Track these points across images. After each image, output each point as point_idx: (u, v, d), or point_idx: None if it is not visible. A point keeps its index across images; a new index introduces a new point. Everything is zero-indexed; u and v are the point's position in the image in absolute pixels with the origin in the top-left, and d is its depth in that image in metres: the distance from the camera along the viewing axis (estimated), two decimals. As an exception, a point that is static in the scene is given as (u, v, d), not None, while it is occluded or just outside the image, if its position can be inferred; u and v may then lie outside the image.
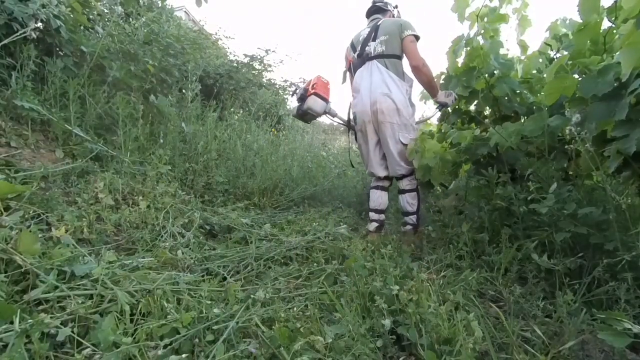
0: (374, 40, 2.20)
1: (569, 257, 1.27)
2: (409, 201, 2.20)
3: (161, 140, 2.44)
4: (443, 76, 2.31)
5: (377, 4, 2.39)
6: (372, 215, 2.26)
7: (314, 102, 2.21)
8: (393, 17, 2.40)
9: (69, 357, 0.79)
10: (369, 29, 2.27)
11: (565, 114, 1.41)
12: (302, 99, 2.26)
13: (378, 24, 2.24)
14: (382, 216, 2.28)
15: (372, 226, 2.23)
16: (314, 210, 2.76)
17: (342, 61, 2.49)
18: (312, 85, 2.22)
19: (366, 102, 2.14)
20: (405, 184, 2.21)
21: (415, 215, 2.19)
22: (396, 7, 2.44)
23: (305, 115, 2.30)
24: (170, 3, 4.67)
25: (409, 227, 2.19)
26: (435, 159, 1.98)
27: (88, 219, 1.47)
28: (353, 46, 2.34)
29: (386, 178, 2.30)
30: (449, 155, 1.99)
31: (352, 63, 2.30)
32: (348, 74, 2.44)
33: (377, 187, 2.30)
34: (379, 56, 2.16)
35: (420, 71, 2.10)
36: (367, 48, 2.21)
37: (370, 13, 2.40)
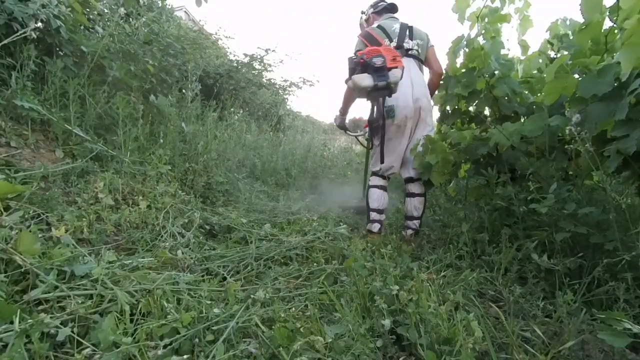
0: (410, 39, 2.21)
1: (569, 257, 1.27)
2: (416, 206, 2.16)
3: (161, 140, 2.44)
4: (442, 76, 2.31)
5: (393, 3, 2.41)
6: (374, 215, 2.18)
7: (427, 94, 2.10)
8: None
9: (69, 357, 0.79)
10: (399, 25, 2.25)
11: (565, 114, 1.41)
12: (385, 69, 1.87)
13: (409, 25, 2.26)
14: (383, 216, 2.23)
15: (375, 227, 2.17)
16: (314, 210, 2.76)
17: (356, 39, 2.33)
18: (396, 59, 1.94)
19: (409, 97, 2.09)
20: (417, 187, 2.19)
21: (419, 221, 2.16)
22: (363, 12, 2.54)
23: (389, 89, 1.93)
24: (170, 3, 4.68)
25: (410, 231, 2.14)
26: (436, 158, 1.98)
27: (88, 219, 1.47)
28: (386, 33, 2.22)
29: (387, 178, 2.27)
30: (450, 156, 1.99)
31: None
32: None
33: (379, 187, 2.23)
34: (416, 57, 2.21)
35: (440, 77, 2.29)
36: (404, 43, 2.19)
37: (386, 10, 2.39)
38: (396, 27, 2.24)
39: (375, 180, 2.25)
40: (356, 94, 2.00)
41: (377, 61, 1.86)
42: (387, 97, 2.05)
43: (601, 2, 1.40)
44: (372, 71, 1.87)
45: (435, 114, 2.50)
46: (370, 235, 2.14)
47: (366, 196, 2.25)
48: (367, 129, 2.37)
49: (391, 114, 2.10)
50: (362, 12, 2.54)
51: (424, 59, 2.26)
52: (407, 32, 2.22)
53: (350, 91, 2.29)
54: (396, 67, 1.90)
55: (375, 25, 2.30)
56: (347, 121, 2.54)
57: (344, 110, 2.45)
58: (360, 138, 2.46)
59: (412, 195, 2.18)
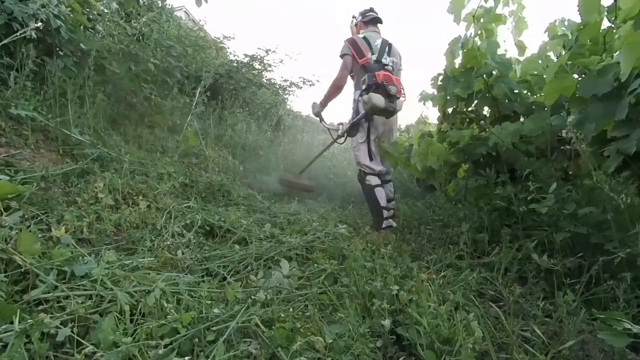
0: (388, 55, 2.46)
1: (569, 257, 1.27)
2: (391, 190, 2.51)
3: (163, 143, 2.44)
4: (441, 77, 2.31)
5: (377, 16, 2.62)
6: (387, 212, 2.36)
7: (401, 107, 2.42)
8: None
9: (69, 357, 0.79)
10: (381, 40, 2.49)
11: (564, 114, 1.41)
12: (395, 97, 2.33)
13: (389, 42, 2.51)
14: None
15: (393, 222, 2.37)
16: (314, 210, 2.76)
17: (343, 43, 2.54)
18: (401, 91, 2.39)
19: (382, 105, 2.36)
20: (389, 176, 2.54)
21: (394, 201, 2.49)
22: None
23: (393, 113, 2.41)
24: (170, 3, 4.68)
25: (392, 211, 2.41)
26: (438, 162, 1.98)
27: (88, 219, 1.47)
28: (370, 47, 2.45)
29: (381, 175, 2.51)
30: (452, 158, 1.99)
31: (369, 62, 2.42)
32: (356, 65, 2.47)
33: (381, 185, 2.41)
34: (390, 72, 2.41)
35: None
36: (383, 59, 2.43)
37: (371, 22, 2.61)
38: (378, 42, 2.48)
39: (375, 180, 2.41)
40: (367, 107, 2.30)
41: (393, 89, 2.25)
42: (368, 102, 2.33)
43: (599, 2, 1.40)
44: (385, 95, 2.24)
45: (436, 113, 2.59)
46: (386, 231, 2.27)
47: (373, 196, 2.38)
48: (341, 127, 2.68)
49: (368, 118, 2.42)
50: (353, 17, 2.72)
51: (399, 76, 2.51)
52: (387, 49, 2.47)
53: (336, 88, 2.59)
54: (401, 98, 2.32)
55: (361, 35, 2.52)
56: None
57: (324, 103, 2.68)
58: (331, 131, 2.77)
59: (388, 182, 2.52)
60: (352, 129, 2.53)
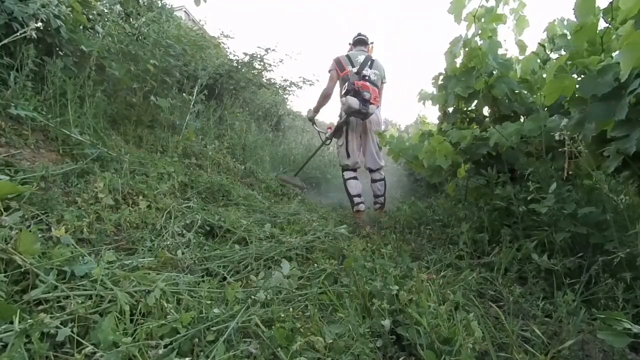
0: (370, 68, 2.98)
1: (569, 257, 1.27)
2: (379, 188, 2.95)
3: (163, 143, 2.44)
4: (441, 76, 2.31)
5: (363, 37, 3.17)
6: (357, 199, 2.89)
7: (376, 111, 2.87)
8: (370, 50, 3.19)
9: (69, 357, 0.79)
10: (363, 57, 3.01)
11: (563, 114, 1.41)
12: (368, 102, 2.79)
13: (372, 58, 3.03)
14: (363, 198, 2.91)
15: (362, 206, 2.87)
16: (314, 210, 2.76)
17: (330, 61, 3.12)
18: (376, 99, 2.89)
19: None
20: (378, 175, 2.98)
21: (383, 197, 2.94)
22: (372, 43, 3.24)
23: (366, 115, 2.83)
24: (170, 3, 4.68)
25: (378, 205, 2.90)
26: (447, 161, 1.97)
27: (88, 219, 1.47)
28: (351, 62, 2.99)
29: (356, 170, 2.99)
30: (459, 158, 1.99)
31: (349, 75, 2.92)
32: (337, 78, 3.05)
33: (353, 178, 2.95)
34: (372, 83, 2.94)
35: (379, 108, 3.06)
36: (364, 71, 2.94)
37: (358, 42, 3.17)
38: (360, 58, 3.02)
39: (349, 174, 2.95)
40: (344, 108, 2.80)
41: (367, 95, 2.77)
42: (347, 108, 2.80)
43: (594, 4, 1.40)
44: (360, 99, 2.74)
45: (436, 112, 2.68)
46: (358, 214, 2.81)
47: (346, 187, 2.94)
48: (329, 130, 3.26)
49: (347, 122, 2.89)
50: (349, 43, 3.29)
51: (379, 85, 3.02)
52: (369, 63, 2.99)
53: (324, 97, 3.17)
54: (374, 104, 2.82)
55: (345, 54, 3.07)
56: (317, 120, 3.44)
57: (316, 109, 3.29)
58: (321, 134, 3.36)
59: (375, 180, 2.98)
60: (336, 132, 3.06)
